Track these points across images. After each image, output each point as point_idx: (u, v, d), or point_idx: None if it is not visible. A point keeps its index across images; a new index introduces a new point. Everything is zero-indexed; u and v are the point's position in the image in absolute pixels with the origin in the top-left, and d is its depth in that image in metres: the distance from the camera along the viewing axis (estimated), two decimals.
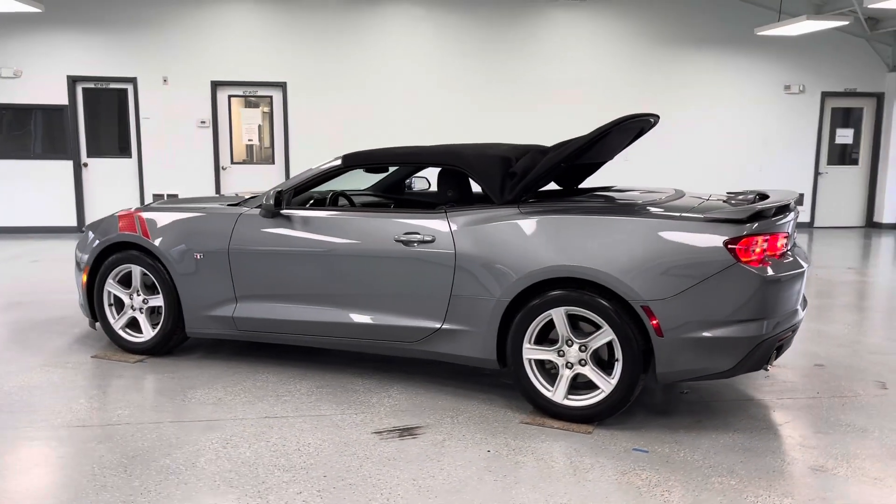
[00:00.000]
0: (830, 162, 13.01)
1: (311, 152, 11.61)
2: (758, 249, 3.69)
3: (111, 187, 11.50)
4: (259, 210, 4.67)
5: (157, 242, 4.82)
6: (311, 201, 4.97)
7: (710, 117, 12.41)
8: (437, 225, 4.22)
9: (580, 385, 3.96)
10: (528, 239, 3.95)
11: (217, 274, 4.71)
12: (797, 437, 3.82)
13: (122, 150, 11.47)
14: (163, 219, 4.91)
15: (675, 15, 12.15)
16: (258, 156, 11.80)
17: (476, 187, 5.21)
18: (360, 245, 4.35)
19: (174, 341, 5.00)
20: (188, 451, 3.57)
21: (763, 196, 4.28)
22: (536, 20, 11.90)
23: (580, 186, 5.29)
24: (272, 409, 4.12)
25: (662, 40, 12.19)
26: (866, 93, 12.84)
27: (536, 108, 12.01)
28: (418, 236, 4.22)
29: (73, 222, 11.45)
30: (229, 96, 11.49)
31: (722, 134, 12.48)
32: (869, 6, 8.67)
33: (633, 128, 4.53)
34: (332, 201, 5.07)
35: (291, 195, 4.66)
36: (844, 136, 13.02)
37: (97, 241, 5.04)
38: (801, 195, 12.32)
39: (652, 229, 3.76)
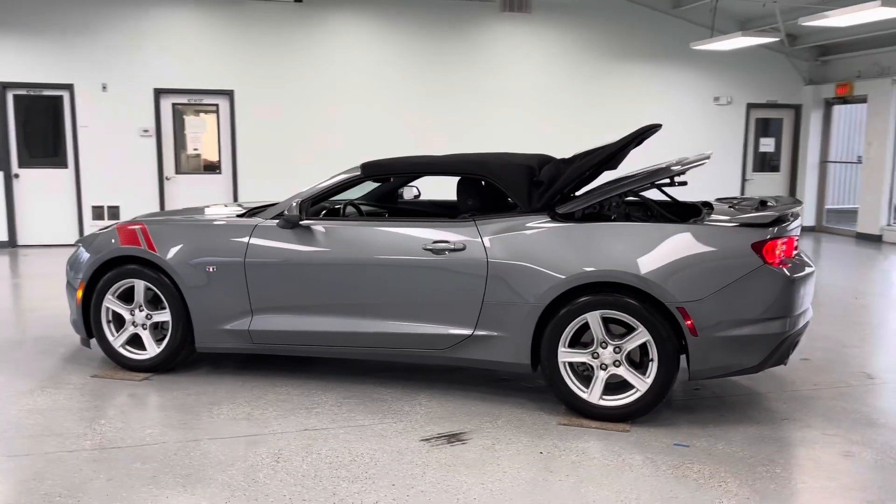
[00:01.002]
0: (756, 169, 13.80)
1: (260, 162, 11.42)
2: (778, 252, 3.95)
3: (46, 199, 10.92)
4: (277, 221, 4.61)
5: (164, 255, 4.68)
6: (324, 212, 4.94)
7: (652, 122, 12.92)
8: (466, 233, 4.29)
9: (611, 386, 4.11)
10: (564, 245, 4.08)
11: (231, 286, 4.61)
12: (815, 426, 4.10)
13: (58, 159, 10.93)
14: (169, 231, 4.77)
15: (616, 28, 12.63)
16: (204, 165, 11.49)
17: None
18: (388, 254, 4.37)
19: (181, 357, 4.85)
20: (242, 467, 3.50)
21: (763, 202, 4.56)
22: (485, 31, 12.11)
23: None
24: (308, 422, 4.08)
25: (604, 53, 12.64)
26: (786, 104, 13.71)
27: (486, 117, 12.22)
28: (448, 245, 4.27)
29: (4, 236, 10.81)
30: (173, 104, 11.15)
31: (658, 142, 12.99)
32: (804, 23, 9.30)
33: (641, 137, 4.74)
34: (344, 212, 5.06)
35: (309, 206, 4.62)
36: (767, 144, 13.85)
37: (95, 256, 4.84)
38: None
39: (684, 234, 3.96)
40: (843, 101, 13.43)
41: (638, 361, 4.09)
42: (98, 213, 11.03)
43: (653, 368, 3.97)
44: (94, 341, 4.96)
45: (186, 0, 10.95)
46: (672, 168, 4.18)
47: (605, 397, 4.08)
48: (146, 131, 11.02)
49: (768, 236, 3.91)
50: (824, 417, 4.22)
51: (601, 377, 4.06)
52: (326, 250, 4.47)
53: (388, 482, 3.36)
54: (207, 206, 5.55)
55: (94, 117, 10.85)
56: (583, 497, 3.24)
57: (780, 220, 3.99)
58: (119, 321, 4.91)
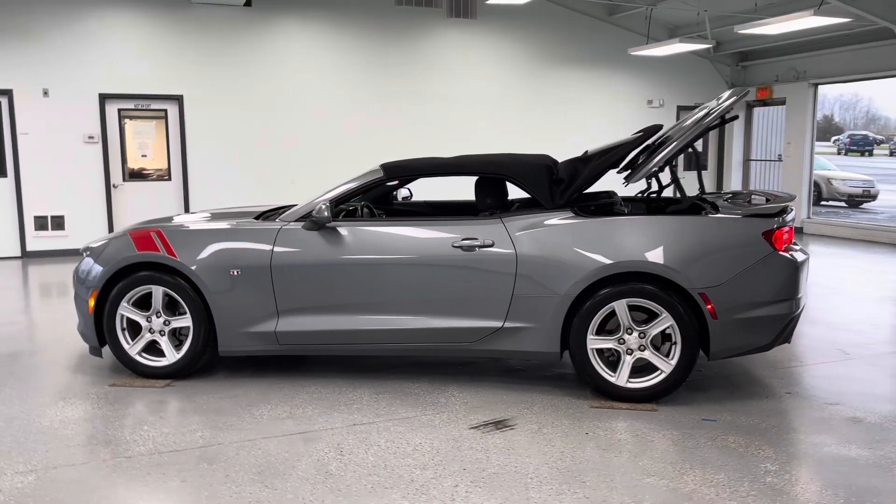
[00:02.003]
0: (686, 168, 14.54)
1: (212, 168, 11.26)
2: (784, 240, 4.34)
3: None
4: (303, 223, 4.68)
5: (185, 261, 4.67)
6: (343, 214, 5.04)
7: (587, 128, 13.48)
8: (494, 230, 4.50)
9: (635, 369, 4.40)
10: (591, 239, 4.35)
11: (257, 289, 4.65)
12: (816, 397, 4.51)
13: None
14: (189, 237, 4.76)
15: (556, 35, 13.11)
16: (153, 172, 11.21)
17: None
18: (417, 252, 4.52)
19: (201, 362, 4.85)
20: (310, 462, 3.59)
21: (750, 195, 4.97)
22: (433, 37, 12.33)
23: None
24: (352, 417, 4.18)
25: (546, 58, 13.10)
26: None
27: (436, 121, 12.45)
28: (477, 241, 4.47)
29: None
30: (119, 110, 10.84)
31: (600, 139, 13.55)
32: (740, 31, 9.95)
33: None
34: (362, 212, 5.18)
35: (333, 208, 4.71)
36: (695, 144, 14.62)
37: (109, 264, 4.77)
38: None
39: (702, 225, 4.30)
40: (763, 103, 14.37)
41: (659, 346, 4.40)
42: (41, 223, 10.60)
43: (676, 351, 4.28)
44: (102, 350, 4.89)
45: (132, 3, 10.69)
46: (717, 108, 4.47)
47: (631, 380, 4.37)
48: (91, 138, 10.68)
49: (775, 226, 4.30)
50: (821, 390, 4.66)
51: (628, 361, 4.35)
52: (355, 250, 4.58)
53: (458, 467, 3.53)
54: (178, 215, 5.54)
55: (35, 124, 10.44)
56: (644, 469, 3.50)
57: (783, 212, 4.39)
58: (133, 329, 4.86)
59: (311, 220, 4.64)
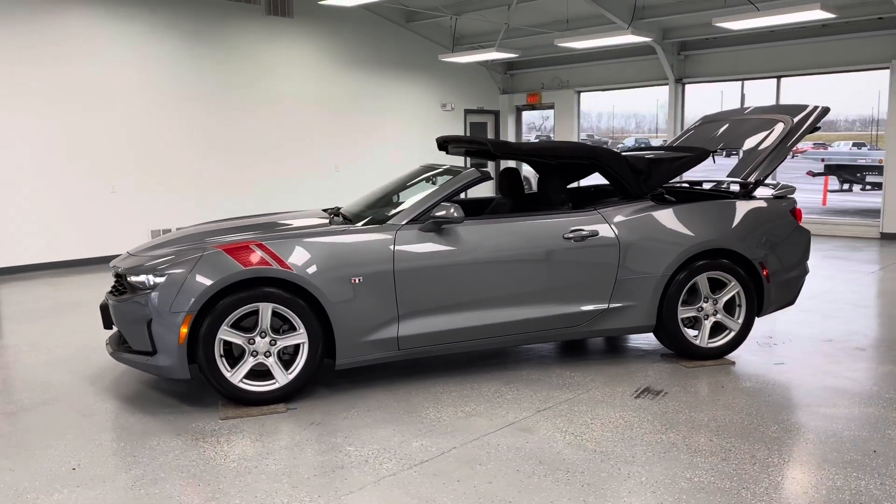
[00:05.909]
0: (472, 164, 15.86)
1: (12, 175, 9.54)
2: (800, 216, 5.51)
3: None
4: (420, 225, 4.66)
5: (303, 273, 4.36)
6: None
7: (392, 129, 14.02)
8: (595, 221, 4.97)
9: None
10: (677, 223, 5.05)
11: (379, 296, 4.52)
12: (816, 339, 5.77)
13: None
14: (300, 247, 4.43)
15: (366, 39, 13.41)
16: None
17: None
18: (534, 245, 4.81)
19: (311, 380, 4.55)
20: (562, 445, 3.77)
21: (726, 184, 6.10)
22: (249, 34, 11.81)
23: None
24: (526, 406, 4.37)
25: (356, 61, 13.33)
26: (489, 110, 16.06)
27: (252, 120, 11.97)
28: (584, 232, 4.91)
29: None
30: None
31: (399, 140, 14.21)
32: (560, 43, 11.33)
33: None
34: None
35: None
36: None
37: (204, 285, 4.21)
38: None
39: (754, 207, 5.27)
40: (532, 107, 16.25)
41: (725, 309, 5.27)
42: None
43: (742, 312, 5.20)
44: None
45: None
46: (804, 123, 5.33)
47: (709, 341, 5.19)
48: None
49: (795, 205, 5.44)
50: (812, 331, 5.95)
51: (706, 325, 5.16)
52: (477, 247, 4.71)
53: (685, 428, 4.00)
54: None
55: None
56: (793, 405, 4.33)
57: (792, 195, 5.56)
58: (229, 354, 4.38)
59: (433, 221, 4.64)
